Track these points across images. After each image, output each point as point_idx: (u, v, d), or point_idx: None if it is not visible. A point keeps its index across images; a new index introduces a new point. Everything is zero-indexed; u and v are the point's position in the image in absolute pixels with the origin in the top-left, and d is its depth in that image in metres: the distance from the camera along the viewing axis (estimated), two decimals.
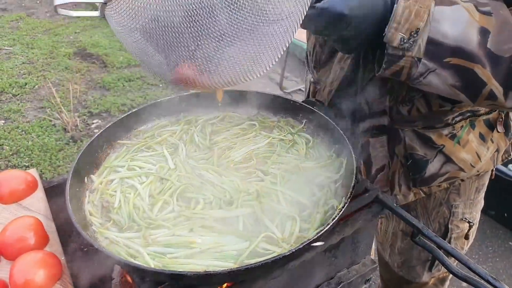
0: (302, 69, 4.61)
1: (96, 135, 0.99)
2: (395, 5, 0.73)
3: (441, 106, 0.99)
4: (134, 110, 1.09)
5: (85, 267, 0.92)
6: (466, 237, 1.26)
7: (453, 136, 1.04)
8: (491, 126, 1.07)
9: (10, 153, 3.28)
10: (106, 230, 0.81)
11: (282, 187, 0.90)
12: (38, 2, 6.47)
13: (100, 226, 0.82)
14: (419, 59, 0.76)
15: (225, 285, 0.75)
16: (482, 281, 0.75)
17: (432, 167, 1.07)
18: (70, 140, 3.41)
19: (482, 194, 1.25)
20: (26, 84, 4.19)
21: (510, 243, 2.57)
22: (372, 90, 1.02)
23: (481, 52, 0.74)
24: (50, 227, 0.85)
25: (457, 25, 0.73)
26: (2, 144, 3.38)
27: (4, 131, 3.53)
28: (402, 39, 0.74)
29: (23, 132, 3.53)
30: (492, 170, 1.21)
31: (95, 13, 0.66)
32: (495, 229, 2.67)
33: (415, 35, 0.74)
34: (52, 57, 4.73)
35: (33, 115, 3.77)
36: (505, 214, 2.62)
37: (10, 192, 0.90)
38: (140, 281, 0.75)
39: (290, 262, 0.79)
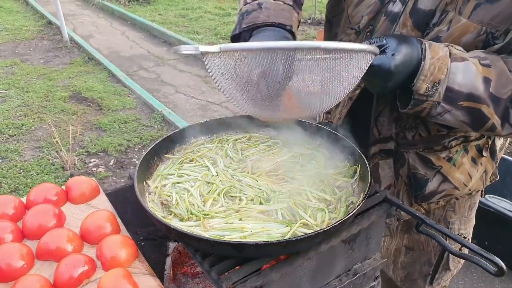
0: None
1: (148, 149, 1.17)
2: (422, 62, 0.93)
3: (439, 131, 1.19)
4: (175, 131, 1.28)
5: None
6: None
7: (449, 159, 1.23)
8: (481, 151, 1.27)
9: (9, 191, 3.33)
10: (169, 221, 0.97)
11: (309, 188, 1.09)
12: (31, 49, 6.70)
13: (164, 218, 0.98)
14: (439, 103, 0.96)
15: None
16: (475, 256, 0.95)
17: (431, 185, 1.26)
18: (69, 178, 3.51)
19: (474, 212, 1.44)
20: (22, 125, 4.30)
21: None
22: (382, 119, 1.22)
23: (486, 95, 0.95)
24: (118, 221, 1.00)
25: (468, 76, 0.94)
26: (0, 182, 3.44)
27: (2, 169, 3.59)
28: (427, 88, 0.94)
29: (21, 171, 3.60)
30: (482, 191, 1.41)
31: (212, 50, 0.78)
32: None
33: (437, 85, 0.94)
34: (47, 100, 4.89)
35: (31, 154, 3.86)
36: (486, 242, 2.83)
37: (80, 194, 1.06)
38: (201, 260, 0.91)
39: (322, 244, 0.97)
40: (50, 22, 7.99)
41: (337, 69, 0.81)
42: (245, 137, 1.34)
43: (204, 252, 0.91)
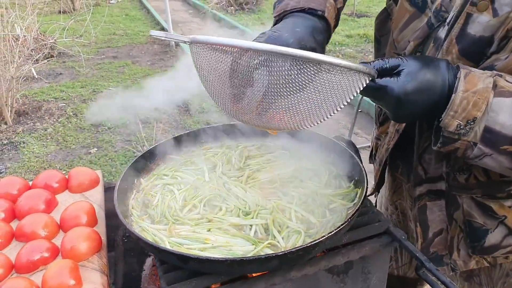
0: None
1: (150, 148, 1.19)
2: (453, 95, 0.76)
3: (502, 176, 0.95)
4: (185, 132, 1.28)
5: (123, 257, 1.08)
6: None
7: None
8: None
9: None
10: (141, 221, 0.97)
11: (297, 206, 0.99)
12: (143, 52, 7.44)
13: (137, 217, 0.98)
14: (475, 144, 0.78)
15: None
16: None
17: (493, 238, 1.02)
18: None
19: None
20: (119, 119, 4.78)
21: None
22: (428, 157, 1.03)
23: None
24: (101, 215, 1.03)
25: None
26: (91, 167, 3.86)
27: (95, 157, 4.04)
28: (459, 126, 0.77)
29: (109, 160, 4.00)
30: None
31: (182, 39, 0.78)
32: None
33: (471, 123, 0.76)
34: None
35: (120, 146, 4.27)
36: None
37: (78, 184, 1.12)
38: (159, 265, 0.88)
39: (291, 272, 0.87)
40: (162, 28, 8.78)
41: (313, 85, 0.70)
42: (256, 145, 1.28)
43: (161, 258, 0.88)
